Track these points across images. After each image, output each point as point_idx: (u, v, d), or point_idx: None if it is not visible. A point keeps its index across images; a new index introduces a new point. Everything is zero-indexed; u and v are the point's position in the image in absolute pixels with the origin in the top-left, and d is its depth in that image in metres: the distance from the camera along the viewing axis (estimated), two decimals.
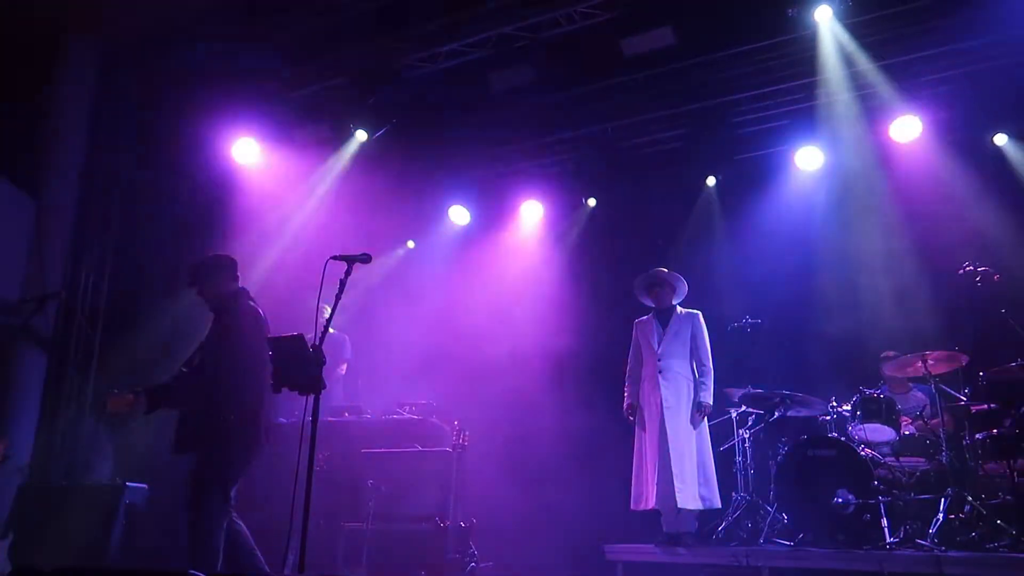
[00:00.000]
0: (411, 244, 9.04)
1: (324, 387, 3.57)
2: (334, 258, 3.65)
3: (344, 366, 7.37)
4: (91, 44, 7.43)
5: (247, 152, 7.72)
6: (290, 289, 6.99)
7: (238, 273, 4.20)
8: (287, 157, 7.86)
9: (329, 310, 3.51)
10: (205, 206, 7.98)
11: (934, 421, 5.44)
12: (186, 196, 8.04)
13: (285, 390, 3.89)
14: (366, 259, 3.70)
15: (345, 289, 3.62)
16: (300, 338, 3.68)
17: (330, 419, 6.31)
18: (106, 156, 7.62)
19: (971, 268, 5.33)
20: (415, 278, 8.65)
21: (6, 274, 6.72)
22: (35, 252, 6.93)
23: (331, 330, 3.80)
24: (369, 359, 7.90)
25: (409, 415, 6.48)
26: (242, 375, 3.87)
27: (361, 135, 7.49)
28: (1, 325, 6.73)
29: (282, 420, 6.42)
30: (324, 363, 3.54)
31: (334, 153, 7.77)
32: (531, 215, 8.42)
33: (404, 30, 6.94)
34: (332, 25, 6.95)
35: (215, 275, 4.14)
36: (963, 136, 6.82)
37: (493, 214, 8.54)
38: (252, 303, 4.07)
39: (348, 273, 3.64)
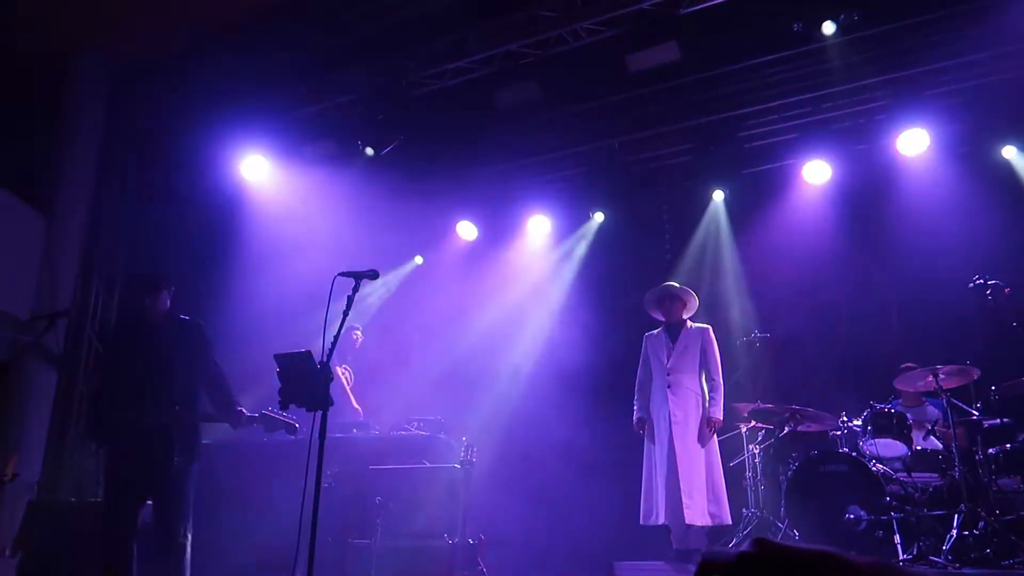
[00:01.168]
0: (419, 259, 9.06)
1: (332, 403, 3.57)
2: (341, 274, 3.66)
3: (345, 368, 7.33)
4: (101, 63, 7.52)
5: (256, 169, 7.77)
6: (298, 305, 7.02)
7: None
8: (296, 174, 7.90)
9: (359, 333, 3.55)
10: (214, 223, 8.03)
11: (946, 434, 5.39)
12: (195, 213, 8.09)
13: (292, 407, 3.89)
14: (373, 275, 3.71)
15: (353, 305, 3.63)
16: (308, 354, 3.68)
17: (338, 435, 6.30)
18: (116, 174, 7.70)
19: (981, 281, 5.30)
20: (423, 294, 8.67)
21: (17, 291, 6.77)
22: (46, 269, 6.99)
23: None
24: (377, 375, 7.90)
25: (417, 431, 6.47)
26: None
27: (369, 152, 7.53)
28: (12, 342, 6.78)
29: (290, 436, 6.42)
30: (332, 380, 3.54)
31: (342, 170, 7.81)
32: (539, 230, 8.44)
33: (411, 48, 7.00)
34: (340, 43, 7.02)
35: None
36: (971, 149, 6.80)
37: (501, 229, 8.55)
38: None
39: (356, 289, 3.65)
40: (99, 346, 7.44)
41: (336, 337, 3.58)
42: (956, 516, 4.86)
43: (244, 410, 4.19)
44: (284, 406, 3.70)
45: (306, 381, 3.57)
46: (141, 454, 3.99)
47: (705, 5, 6.14)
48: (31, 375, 6.83)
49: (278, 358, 3.69)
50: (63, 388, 7.06)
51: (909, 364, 5.68)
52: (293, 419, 4.20)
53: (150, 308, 4.24)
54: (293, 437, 6.12)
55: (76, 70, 7.44)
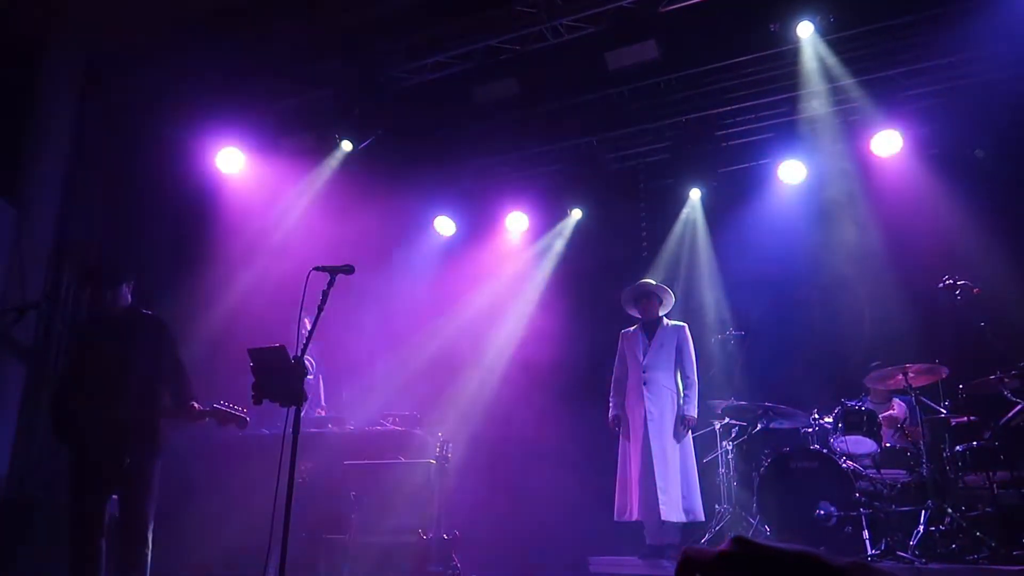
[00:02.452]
0: (396, 254, 9.02)
1: (306, 399, 3.56)
2: (317, 269, 3.65)
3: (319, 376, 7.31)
4: (74, 54, 7.39)
5: (231, 162, 7.70)
6: (274, 299, 6.96)
7: None
8: (272, 167, 7.83)
9: (308, 323, 3.52)
10: (189, 216, 7.94)
11: (914, 431, 5.48)
12: (169, 206, 7.99)
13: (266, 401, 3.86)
14: (349, 270, 3.70)
15: (328, 300, 3.61)
16: (282, 349, 3.66)
17: (312, 430, 6.27)
18: (88, 164, 7.57)
19: (951, 281, 5.38)
20: (399, 288, 8.63)
21: None
22: (15, 260, 6.86)
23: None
24: (352, 370, 7.87)
25: (392, 427, 6.46)
26: None
27: (346, 145, 7.49)
28: None
29: (264, 431, 6.38)
30: (306, 375, 3.53)
31: (319, 163, 7.76)
32: (516, 226, 8.44)
33: (390, 42, 6.96)
34: (318, 35, 6.96)
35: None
36: (943, 150, 6.89)
37: (478, 225, 8.54)
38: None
39: (331, 284, 3.64)
40: (69, 339, 7.33)
41: (310, 332, 3.57)
42: (923, 512, 4.95)
43: (196, 404, 4.13)
44: (258, 401, 3.68)
45: (280, 376, 3.56)
46: (103, 450, 3.94)
47: (684, 4, 6.17)
48: (0, 369, 6.72)
49: (252, 353, 3.67)
50: (32, 381, 6.94)
51: (878, 362, 5.78)
52: (243, 412, 4.15)
53: (110, 302, 4.18)
54: (268, 432, 6.11)
55: (49, 59, 7.30)
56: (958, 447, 5.19)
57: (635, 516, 5.59)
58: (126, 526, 3.96)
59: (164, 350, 4.19)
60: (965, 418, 5.33)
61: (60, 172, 7.30)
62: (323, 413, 6.91)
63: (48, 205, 7.18)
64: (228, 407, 4.12)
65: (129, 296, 4.25)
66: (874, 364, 5.75)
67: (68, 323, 7.31)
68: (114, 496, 4.07)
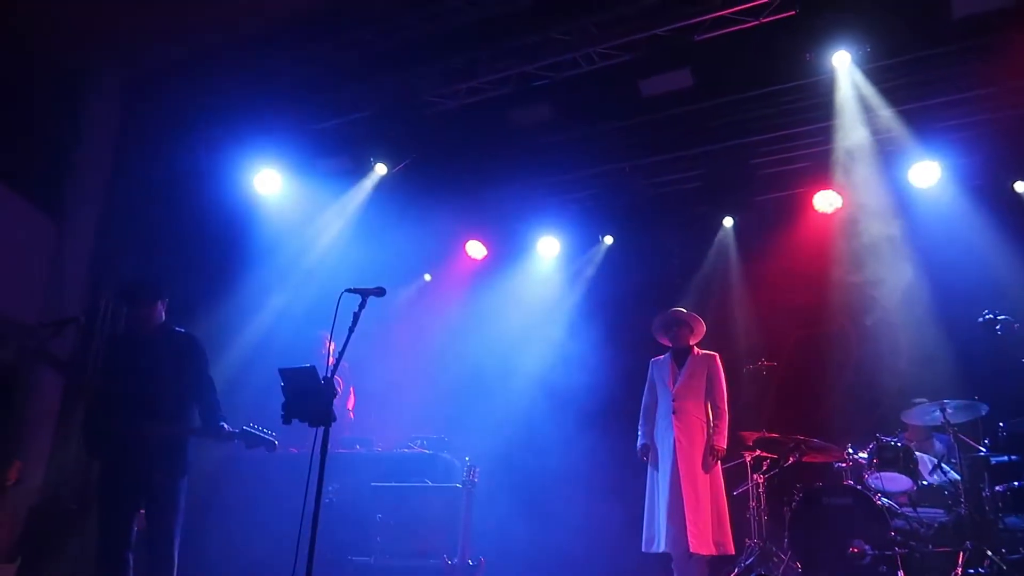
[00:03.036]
0: (428, 277, 9.07)
1: (335, 419, 3.57)
2: (348, 291, 3.67)
3: (348, 388, 7.34)
4: (117, 74, 7.60)
5: (268, 183, 7.82)
6: (306, 320, 7.03)
7: None
8: (307, 188, 7.94)
9: (330, 343, 3.55)
10: (225, 235, 8.06)
11: (953, 471, 5.33)
12: (207, 224, 8.13)
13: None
14: (380, 292, 3.72)
15: (359, 322, 3.63)
16: (312, 370, 3.68)
17: (341, 451, 6.29)
18: (128, 183, 7.75)
19: (991, 316, 5.26)
20: (431, 311, 8.67)
21: (26, 297, 6.81)
22: (54, 276, 7.03)
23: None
24: (381, 392, 7.89)
25: (420, 449, 6.46)
26: None
27: (381, 168, 7.57)
28: (19, 348, 6.80)
29: (293, 450, 6.42)
30: (336, 395, 3.54)
31: (354, 185, 7.85)
32: (548, 251, 8.45)
33: (426, 66, 7.05)
34: (355, 59, 7.07)
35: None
36: (983, 182, 6.78)
37: (510, 249, 8.57)
38: None
39: (362, 306, 3.66)
40: (107, 349, 7.47)
41: (340, 353, 3.59)
42: (961, 553, 4.80)
43: (225, 425, 4.17)
44: (287, 420, 3.70)
45: (309, 396, 3.58)
46: (130, 466, 3.99)
47: (719, 32, 6.18)
48: (37, 381, 6.85)
49: (283, 372, 3.69)
50: (69, 395, 7.07)
51: (920, 399, 5.64)
52: (272, 436, 4.18)
53: (144, 320, 4.25)
54: (297, 451, 6.13)
55: (92, 78, 7.52)
56: (998, 487, 5.04)
57: (663, 547, 5.50)
58: (152, 542, 4.00)
59: (195, 368, 4.24)
60: (1005, 457, 5.18)
61: (100, 190, 7.48)
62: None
63: (88, 222, 7.36)
64: (258, 430, 4.15)
65: (163, 314, 4.32)
66: (916, 401, 5.62)
67: (105, 338, 7.45)
68: (142, 511, 4.12)
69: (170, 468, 4.06)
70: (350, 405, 7.31)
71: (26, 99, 7.09)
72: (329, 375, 3.52)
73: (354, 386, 7.32)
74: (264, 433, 4.16)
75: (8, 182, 6.60)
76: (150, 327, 4.26)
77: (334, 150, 8.00)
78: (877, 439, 5.48)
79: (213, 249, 7.99)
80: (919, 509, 5.24)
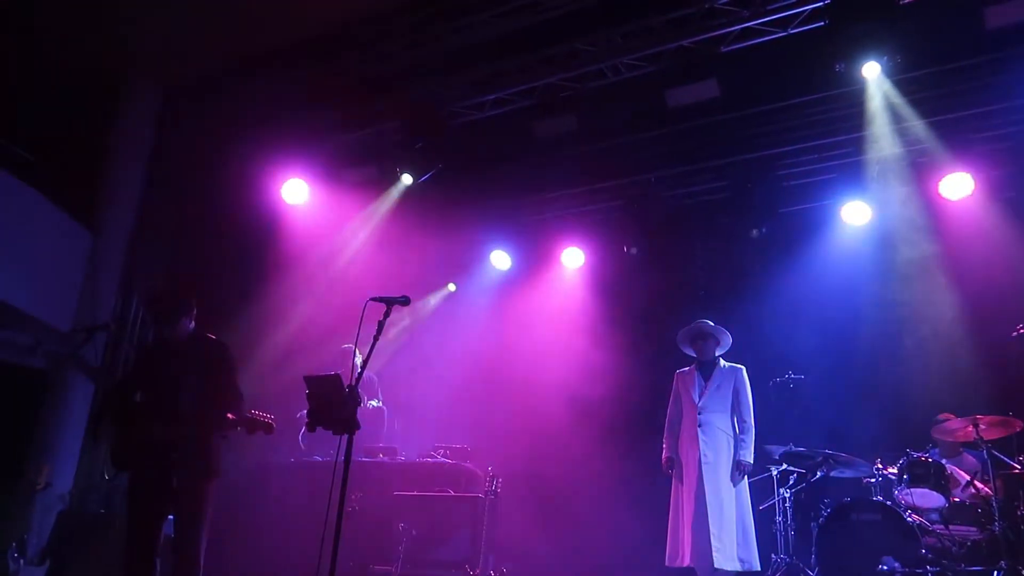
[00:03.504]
0: (452, 287, 9.10)
1: (359, 427, 3.58)
2: (373, 299, 3.69)
3: (376, 401, 7.35)
4: (151, 87, 7.76)
5: (296, 192, 7.91)
6: (332, 328, 7.08)
7: None
8: (334, 198, 8.02)
9: (359, 353, 3.55)
10: (254, 244, 8.17)
11: (986, 488, 5.22)
12: (236, 234, 8.24)
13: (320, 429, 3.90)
14: (405, 301, 3.74)
15: (384, 330, 3.65)
16: (337, 378, 3.70)
17: (364, 459, 6.31)
18: (161, 193, 7.88)
19: None
20: (455, 321, 8.69)
21: (60, 304, 6.94)
22: (88, 284, 7.15)
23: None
24: (406, 401, 7.91)
25: (443, 459, 6.45)
26: None
27: (407, 178, 7.62)
28: (52, 354, 6.93)
29: (317, 458, 6.45)
30: (359, 404, 3.55)
31: (380, 195, 7.91)
32: (572, 262, 8.43)
33: (452, 78, 7.11)
34: (382, 71, 7.15)
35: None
36: (1016, 195, 6.66)
37: (534, 259, 8.57)
38: None
39: (387, 315, 3.67)
40: (137, 356, 7.59)
41: (365, 362, 3.60)
42: (995, 573, 4.69)
43: (229, 415, 4.18)
44: (312, 428, 3.71)
45: (334, 404, 3.59)
46: (154, 470, 4.03)
47: (746, 44, 6.15)
48: (68, 387, 6.97)
49: (308, 380, 3.72)
50: (99, 400, 7.18)
51: (947, 415, 5.54)
52: (271, 418, 4.19)
53: (168, 335, 4.30)
54: (321, 459, 6.16)
55: (127, 91, 7.68)
56: None
57: (687, 562, 5.43)
58: (177, 547, 4.03)
59: (221, 373, 4.26)
60: None
61: (134, 201, 7.63)
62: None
63: (121, 231, 7.50)
64: (256, 414, 4.16)
65: (191, 324, 4.36)
66: (942, 416, 5.52)
67: (136, 345, 7.57)
68: (171, 517, 4.15)
69: (195, 472, 4.09)
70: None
71: (63, 111, 7.26)
72: (354, 383, 3.53)
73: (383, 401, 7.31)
74: (263, 417, 4.16)
75: (45, 192, 6.75)
76: (178, 338, 4.31)
77: (361, 160, 8.07)
78: (907, 454, 5.38)
79: (243, 257, 8.09)
80: (951, 527, 5.13)
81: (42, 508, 6.33)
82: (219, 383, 4.20)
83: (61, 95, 7.28)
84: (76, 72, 7.34)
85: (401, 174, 7.60)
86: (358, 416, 3.53)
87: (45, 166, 6.88)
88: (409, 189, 7.75)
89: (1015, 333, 5.21)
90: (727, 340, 6.01)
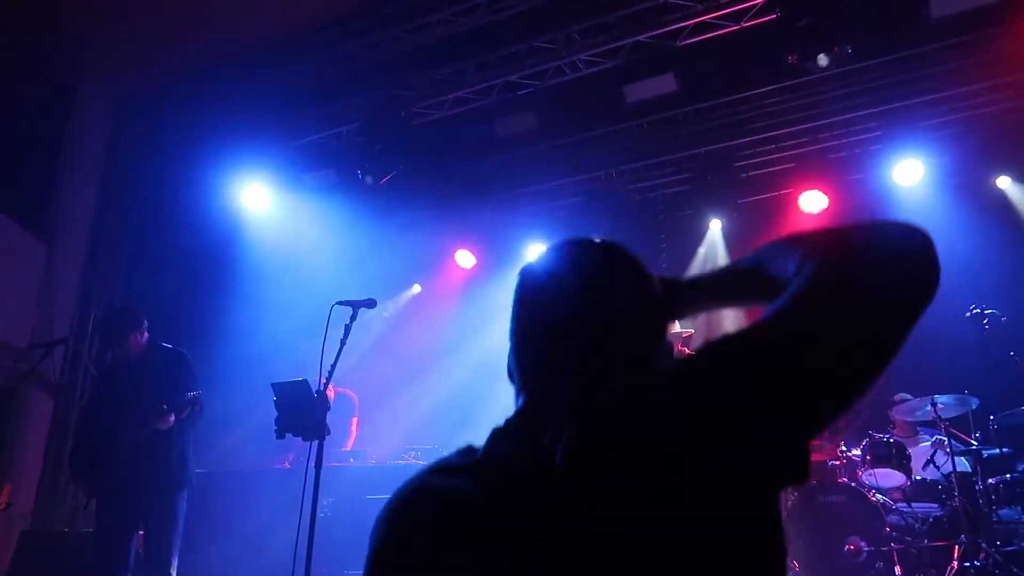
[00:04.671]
0: (417, 288, 9.07)
1: (328, 432, 3.56)
2: (339, 303, 3.67)
3: (355, 420, 7.32)
4: (104, 94, 7.60)
5: (256, 197, 7.81)
6: (297, 334, 7.00)
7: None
8: (295, 202, 7.94)
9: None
10: (214, 251, 8.05)
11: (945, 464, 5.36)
12: (195, 242, 8.12)
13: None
14: (371, 304, 3.73)
15: (350, 334, 3.63)
16: (304, 383, 3.68)
17: (334, 464, 6.26)
18: (117, 202, 7.73)
19: (978, 311, 5.31)
20: (421, 322, 8.67)
21: (16, 319, 6.76)
22: (44, 297, 6.98)
23: (333, 387, 3.80)
24: (373, 404, 7.87)
25: (414, 461, 6.44)
26: None
27: (368, 180, 7.56)
28: (8, 370, 6.75)
29: (287, 465, 6.40)
30: (328, 408, 3.53)
31: (341, 198, 7.85)
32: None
33: (411, 78, 7.08)
34: (341, 73, 7.09)
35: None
36: (966, 179, 6.85)
37: (499, 257, 8.57)
38: None
39: (353, 318, 3.66)
40: (95, 375, 7.43)
41: (332, 366, 3.58)
42: (957, 547, 4.83)
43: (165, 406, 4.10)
44: (280, 435, 3.69)
45: (303, 410, 3.57)
46: (127, 490, 3.97)
47: (702, 37, 6.23)
48: (27, 403, 6.80)
49: (275, 387, 3.69)
50: (59, 417, 7.02)
51: (903, 395, 5.68)
52: (197, 393, 4.11)
53: (120, 354, 4.23)
54: (291, 467, 6.11)
55: (79, 99, 7.51)
56: (991, 480, 5.07)
57: None
58: (149, 559, 3.97)
59: (180, 381, 4.20)
60: (997, 450, 5.22)
61: (89, 209, 7.46)
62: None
63: (77, 242, 7.33)
64: (182, 395, 4.08)
65: (144, 337, 4.28)
66: (898, 398, 5.66)
67: (94, 359, 7.41)
68: (140, 532, 4.09)
69: (167, 483, 4.03)
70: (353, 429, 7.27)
71: (14, 120, 7.08)
72: (322, 388, 3.51)
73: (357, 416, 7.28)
74: (188, 396, 4.07)
75: None
76: (133, 353, 4.24)
77: (321, 163, 8.00)
78: (870, 436, 5.51)
79: (203, 266, 7.97)
80: (913, 504, 5.26)
81: (3, 528, 6.17)
82: (180, 390, 4.14)
83: (11, 106, 7.10)
84: (26, 82, 7.16)
85: (362, 176, 7.55)
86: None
87: None
88: (371, 191, 7.70)
89: (968, 314, 5.36)
90: (690, 336, 6.08)
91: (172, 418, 4.00)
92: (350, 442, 7.09)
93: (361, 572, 1.03)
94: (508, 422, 1.10)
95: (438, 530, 0.99)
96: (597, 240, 1.19)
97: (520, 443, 1.03)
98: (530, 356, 1.16)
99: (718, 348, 0.96)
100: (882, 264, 0.95)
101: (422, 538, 1.00)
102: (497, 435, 1.09)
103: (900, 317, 0.96)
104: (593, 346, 1.06)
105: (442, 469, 1.10)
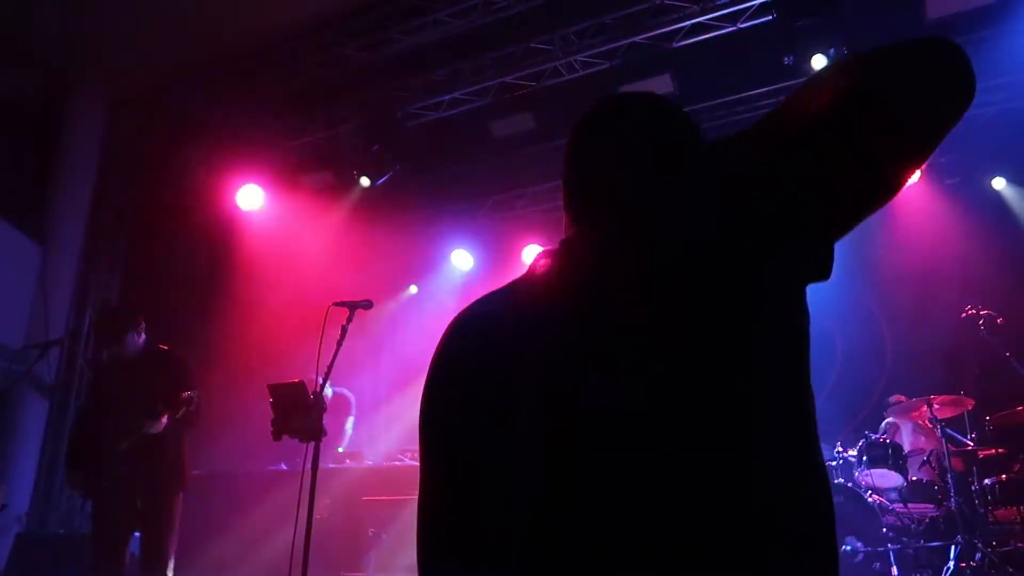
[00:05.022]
0: (414, 289, 9.06)
1: (325, 434, 3.56)
2: (336, 304, 3.67)
3: (350, 420, 7.31)
4: (98, 95, 7.58)
5: (251, 199, 7.80)
6: (293, 335, 7.00)
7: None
8: (291, 204, 7.93)
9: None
10: (210, 253, 8.04)
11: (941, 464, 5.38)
12: (191, 243, 8.11)
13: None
14: (368, 305, 3.72)
15: (347, 335, 3.63)
16: (300, 385, 3.67)
17: (331, 465, 6.25)
18: (112, 203, 7.71)
19: (973, 312, 5.32)
20: (418, 323, 8.66)
21: (11, 320, 6.74)
22: (39, 299, 6.97)
23: (329, 389, 3.80)
24: (370, 406, 7.87)
25: (411, 462, 6.42)
26: None
27: (365, 182, 7.56)
28: (4, 372, 6.73)
29: (283, 467, 6.38)
30: (325, 410, 3.53)
31: (338, 199, 7.84)
32: (534, 259, 8.45)
33: (408, 79, 7.08)
34: (337, 74, 7.09)
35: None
36: (961, 180, 6.87)
37: (496, 258, 8.58)
38: None
39: (350, 319, 3.66)
40: (91, 376, 7.41)
41: (329, 367, 3.58)
42: (953, 547, 4.83)
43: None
44: (277, 436, 3.68)
45: (299, 411, 3.56)
46: (121, 488, 3.96)
47: (699, 38, 6.23)
48: (22, 405, 6.79)
49: (271, 388, 3.68)
50: (54, 418, 7.00)
51: (900, 396, 5.69)
52: (192, 393, 4.11)
53: (117, 353, 4.22)
54: (287, 468, 6.10)
55: (74, 101, 7.49)
56: (987, 480, 5.08)
57: None
58: (146, 561, 3.95)
59: (177, 382, 4.19)
60: (993, 450, 5.23)
61: (83, 211, 7.44)
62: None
63: (72, 243, 7.31)
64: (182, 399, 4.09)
65: (140, 338, 4.27)
66: (893, 400, 5.67)
67: (90, 360, 7.39)
68: (136, 534, 4.08)
69: (164, 485, 4.02)
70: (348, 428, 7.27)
71: (8, 122, 7.06)
72: (319, 389, 3.50)
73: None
74: (183, 396, 4.08)
75: None
76: (129, 354, 4.23)
77: (317, 165, 8.00)
78: (866, 436, 5.51)
79: (198, 266, 7.96)
80: (910, 505, 5.27)
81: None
82: (175, 391, 4.13)
83: (5, 108, 7.08)
84: (20, 84, 7.14)
85: (359, 177, 7.54)
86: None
87: None
88: (367, 192, 7.70)
89: (964, 314, 5.37)
90: None
91: (164, 420, 3.99)
92: (344, 441, 7.08)
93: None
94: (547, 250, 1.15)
95: (472, 352, 1.10)
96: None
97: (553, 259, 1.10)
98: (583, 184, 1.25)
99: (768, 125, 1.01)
100: (933, 51, 0.93)
101: (458, 362, 1.13)
102: (539, 257, 1.14)
103: (947, 105, 0.93)
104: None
105: (491, 293, 1.17)
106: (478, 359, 1.05)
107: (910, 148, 0.93)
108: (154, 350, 4.31)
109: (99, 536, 4.00)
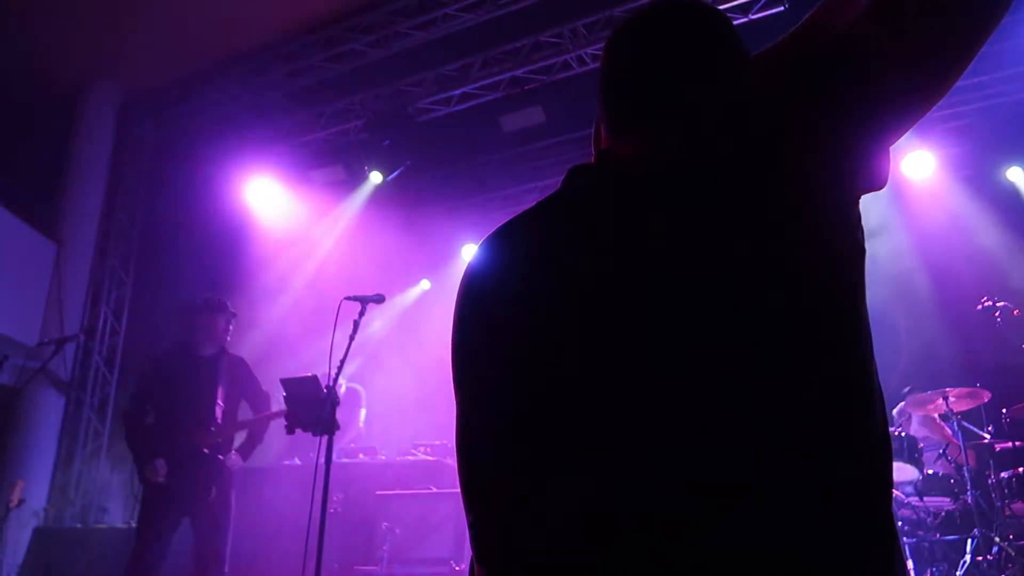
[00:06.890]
0: (426, 284, 9.07)
1: (338, 428, 3.57)
2: (348, 299, 3.67)
3: (363, 412, 7.32)
4: (110, 92, 7.62)
5: (263, 194, 7.83)
6: (306, 329, 7.03)
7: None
8: (303, 198, 7.95)
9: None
10: (222, 247, 8.07)
11: (957, 457, 5.34)
12: (203, 238, 8.14)
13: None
14: (379, 300, 3.73)
15: (359, 330, 3.63)
16: (314, 379, 3.68)
17: (344, 460, 6.28)
18: (125, 200, 7.76)
19: (990, 303, 5.27)
20: (430, 318, 8.67)
21: (26, 317, 6.80)
22: (54, 295, 7.02)
23: (343, 382, 3.83)
24: (383, 400, 7.89)
25: (424, 456, 6.44)
26: None
27: (376, 176, 7.57)
28: (20, 368, 6.79)
29: (296, 461, 6.41)
30: (338, 404, 3.54)
31: (349, 194, 7.85)
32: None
33: (418, 74, 7.08)
34: (348, 70, 7.10)
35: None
36: (976, 171, 6.80)
37: None
38: None
39: (362, 314, 3.66)
40: (107, 372, 7.47)
41: (342, 361, 3.58)
42: (969, 541, 4.80)
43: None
44: (290, 431, 3.70)
45: (312, 405, 3.57)
46: (187, 482, 4.00)
47: None
48: (38, 401, 6.85)
49: (285, 383, 3.69)
50: (70, 414, 7.06)
51: (910, 389, 5.65)
52: (279, 411, 4.26)
53: (203, 340, 4.26)
54: (300, 463, 6.13)
55: (87, 99, 7.54)
56: (1003, 473, 5.04)
57: None
58: (210, 557, 3.98)
59: (247, 382, 4.41)
60: (1010, 443, 5.18)
61: (97, 208, 7.49)
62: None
63: (86, 240, 7.36)
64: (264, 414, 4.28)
65: (227, 335, 4.37)
66: (905, 391, 5.63)
67: (105, 356, 7.45)
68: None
69: (229, 481, 4.11)
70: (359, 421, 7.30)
71: (22, 120, 7.11)
72: (332, 383, 3.51)
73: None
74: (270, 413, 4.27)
75: (7, 203, 6.60)
76: (212, 346, 4.29)
77: (328, 160, 8.01)
78: None
79: (211, 261, 7.99)
80: (925, 498, 5.23)
81: (16, 525, 6.21)
82: (246, 395, 4.28)
83: (18, 107, 7.13)
84: (34, 81, 7.19)
85: (369, 172, 7.55)
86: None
87: (5, 177, 6.73)
88: (378, 187, 7.71)
89: (980, 306, 5.33)
90: None
91: (239, 461, 4.23)
92: (354, 434, 7.10)
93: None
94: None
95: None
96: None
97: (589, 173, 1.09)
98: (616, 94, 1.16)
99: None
100: None
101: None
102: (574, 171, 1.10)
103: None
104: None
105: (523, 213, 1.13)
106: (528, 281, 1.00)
107: None
108: (227, 352, 4.37)
109: (152, 528, 3.99)
